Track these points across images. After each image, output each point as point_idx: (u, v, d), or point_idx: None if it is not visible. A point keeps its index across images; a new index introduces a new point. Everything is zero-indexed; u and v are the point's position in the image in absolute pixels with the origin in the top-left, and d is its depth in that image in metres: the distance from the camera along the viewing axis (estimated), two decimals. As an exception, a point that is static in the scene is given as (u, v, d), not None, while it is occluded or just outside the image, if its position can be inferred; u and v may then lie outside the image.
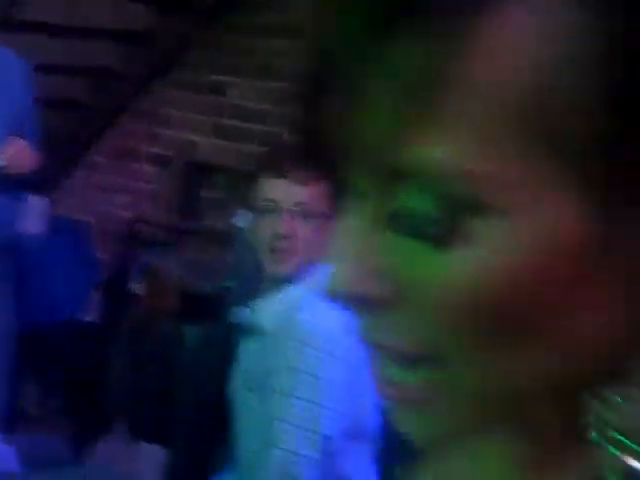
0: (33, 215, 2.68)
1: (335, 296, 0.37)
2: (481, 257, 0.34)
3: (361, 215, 0.37)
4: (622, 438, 0.36)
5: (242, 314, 1.86)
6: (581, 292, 0.34)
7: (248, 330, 1.83)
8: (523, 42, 0.32)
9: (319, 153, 0.37)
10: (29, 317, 2.85)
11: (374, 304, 0.37)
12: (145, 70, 3.88)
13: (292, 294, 1.75)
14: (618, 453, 0.36)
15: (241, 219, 1.94)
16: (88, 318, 3.42)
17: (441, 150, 0.33)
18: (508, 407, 0.37)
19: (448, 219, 0.34)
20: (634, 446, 0.36)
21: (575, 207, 0.33)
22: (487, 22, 0.32)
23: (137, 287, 3.38)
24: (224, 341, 2.08)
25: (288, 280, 1.76)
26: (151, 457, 2.79)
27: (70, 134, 3.90)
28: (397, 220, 0.35)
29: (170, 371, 2.90)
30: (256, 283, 1.88)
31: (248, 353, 1.83)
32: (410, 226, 0.35)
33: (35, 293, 3.07)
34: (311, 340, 1.67)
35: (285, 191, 1.74)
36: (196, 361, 2.84)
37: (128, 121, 3.99)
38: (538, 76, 0.32)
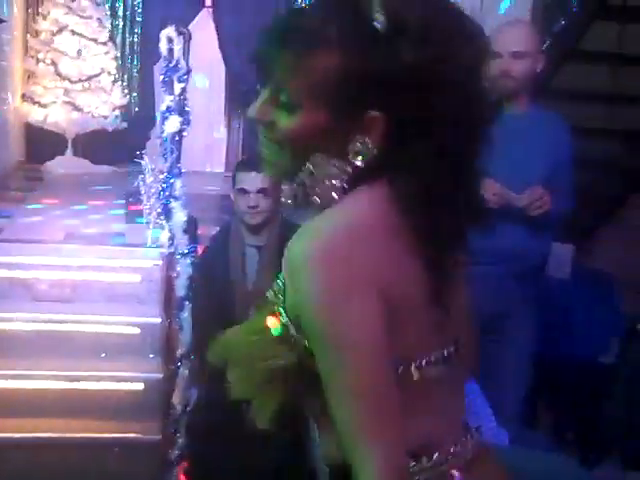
0: (558, 260, 3.25)
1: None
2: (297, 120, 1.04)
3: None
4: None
5: None
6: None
7: None
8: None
9: None
10: (551, 346, 3.25)
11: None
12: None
13: None
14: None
15: None
16: (605, 361, 3.52)
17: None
18: None
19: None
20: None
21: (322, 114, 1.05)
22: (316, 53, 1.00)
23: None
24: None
25: None
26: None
27: (604, 192, 4.31)
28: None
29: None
30: None
31: None
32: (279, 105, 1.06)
33: (558, 329, 3.43)
34: None
35: None
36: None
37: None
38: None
